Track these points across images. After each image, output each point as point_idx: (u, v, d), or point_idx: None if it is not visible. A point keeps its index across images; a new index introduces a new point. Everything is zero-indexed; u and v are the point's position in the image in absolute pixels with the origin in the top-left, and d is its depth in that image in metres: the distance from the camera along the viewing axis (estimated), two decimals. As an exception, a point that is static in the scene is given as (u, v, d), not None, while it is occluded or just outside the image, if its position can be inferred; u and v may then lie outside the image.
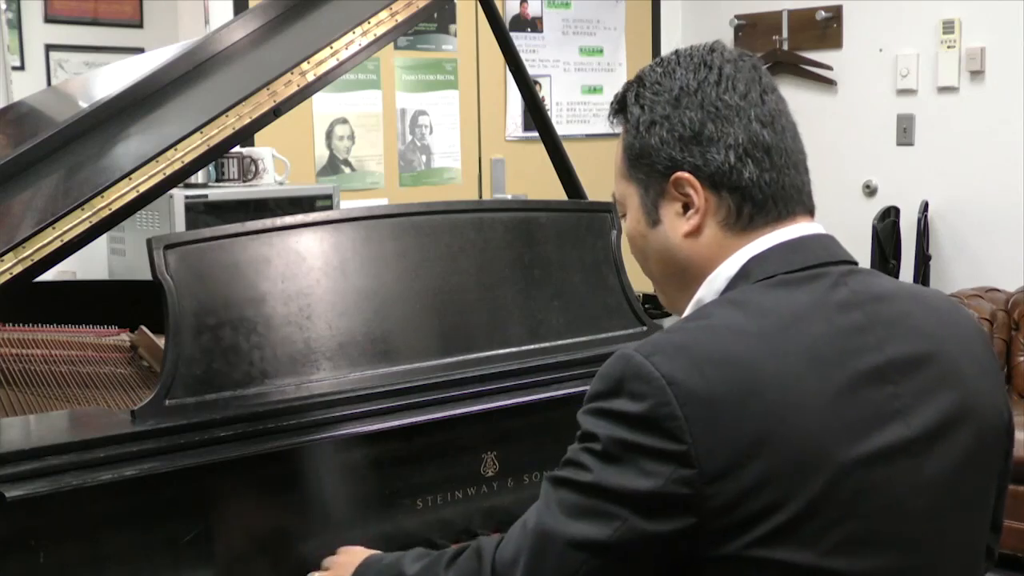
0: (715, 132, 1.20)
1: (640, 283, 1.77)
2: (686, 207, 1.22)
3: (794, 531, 1.07)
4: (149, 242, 1.62)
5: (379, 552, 1.47)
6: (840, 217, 4.45)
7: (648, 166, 1.24)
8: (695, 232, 1.22)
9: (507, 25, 3.71)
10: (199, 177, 3.56)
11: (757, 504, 1.07)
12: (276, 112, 1.83)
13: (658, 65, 1.26)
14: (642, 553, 1.10)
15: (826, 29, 4.99)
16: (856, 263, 1.23)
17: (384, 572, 1.37)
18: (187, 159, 1.74)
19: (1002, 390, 1.26)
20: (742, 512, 1.07)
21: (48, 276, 1.72)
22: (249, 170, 3.66)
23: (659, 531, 1.08)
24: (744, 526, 1.07)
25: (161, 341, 1.84)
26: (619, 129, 1.30)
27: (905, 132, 4.80)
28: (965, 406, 1.18)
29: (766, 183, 1.20)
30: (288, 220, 1.75)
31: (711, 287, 1.22)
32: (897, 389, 1.14)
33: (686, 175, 1.21)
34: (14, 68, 3.87)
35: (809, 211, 1.24)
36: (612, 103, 1.30)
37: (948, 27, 4.60)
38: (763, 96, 1.22)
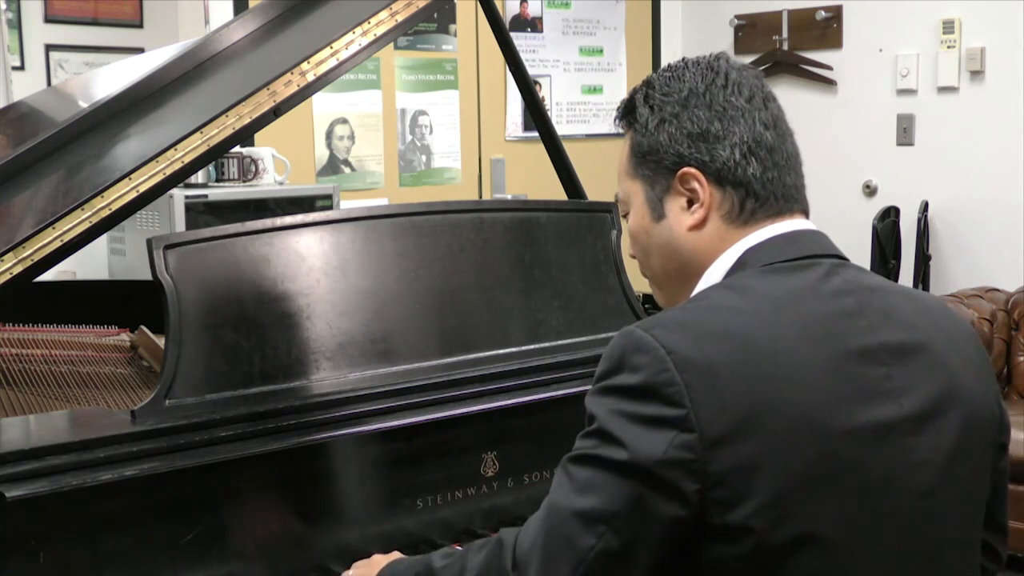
0: (721, 130, 1.26)
1: (640, 283, 1.77)
2: (690, 202, 1.27)
3: (792, 500, 1.10)
4: (149, 242, 1.62)
5: (404, 557, 1.46)
6: (840, 217, 4.46)
7: (655, 162, 1.29)
8: (699, 225, 1.27)
9: (507, 25, 3.71)
10: (199, 177, 3.56)
11: (755, 471, 1.09)
12: (276, 112, 1.84)
13: (667, 70, 1.32)
14: (652, 525, 1.11)
15: (826, 29, 4.98)
16: (847, 259, 1.27)
17: (414, 566, 1.36)
18: (187, 159, 1.74)
19: (993, 386, 1.28)
20: (741, 479, 1.09)
21: (48, 276, 1.72)
22: (249, 170, 3.66)
23: (667, 501, 1.10)
24: (744, 495, 1.09)
25: (161, 341, 1.84)
26: (623, 131, 1.35)
27: (905, 132, 4.79)
28: (953, 394, 1.21)
29: (768, 180, 1.26)
30: (288, 220, 1.75)
31: (710, 279, 1.26)
32: (889, 371, 1.18)
33: (693, 170, 1.26)
34: (14, 68, 3.87)
35: (804, 211, 1.30)
36: (619, 107, 1.36)
37: (948, 27, 4.60)
38: (766, 102, 1.29)
